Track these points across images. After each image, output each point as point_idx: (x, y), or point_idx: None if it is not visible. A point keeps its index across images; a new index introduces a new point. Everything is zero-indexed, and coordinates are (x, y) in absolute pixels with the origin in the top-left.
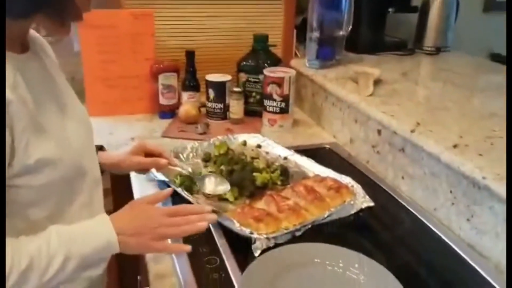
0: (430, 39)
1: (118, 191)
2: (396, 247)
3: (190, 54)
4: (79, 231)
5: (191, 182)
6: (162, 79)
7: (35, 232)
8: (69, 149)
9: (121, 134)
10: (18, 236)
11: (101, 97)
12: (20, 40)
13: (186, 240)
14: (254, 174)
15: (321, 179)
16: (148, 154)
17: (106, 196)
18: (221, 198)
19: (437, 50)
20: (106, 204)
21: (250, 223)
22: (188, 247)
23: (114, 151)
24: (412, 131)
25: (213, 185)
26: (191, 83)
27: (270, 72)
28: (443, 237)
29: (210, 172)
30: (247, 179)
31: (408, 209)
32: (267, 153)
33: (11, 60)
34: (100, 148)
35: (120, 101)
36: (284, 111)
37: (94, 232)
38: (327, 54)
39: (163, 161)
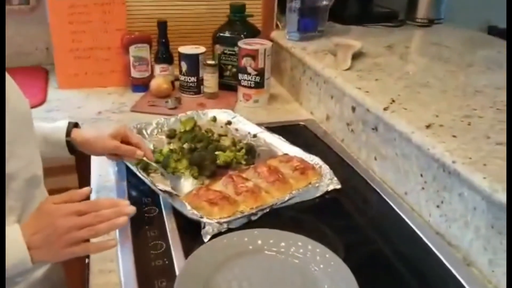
0: (422, 10)
1: (82, 168)
2: (358, 233)
3: (162, 25)
4: None
5: (147, 162)
6: (133, 50)
7: None
8: None
9: (89, 108)
10: None
11: (72, 69)
12: None
13: (132, 225)
14: (217, 153)
15: (288, 159)
16: (125, 141)
17: (71, 174)
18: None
19: (430, 22)
20: (71, 181)
21: (203, 206)
22: (112, 243)
23: (89, 128)
24: (385, 109)
25: (191, 186)
26: (163, 55)
27: (245, 44)
28: (410, 224)
29: (171, 149)
30: (208, 158)
31: (378, 193)
32: (236, 130)
33: None
34: (75, 125)
35: (91, 73)
36: (259, 85)
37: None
38: (308, 26)
39: (139, 152)
